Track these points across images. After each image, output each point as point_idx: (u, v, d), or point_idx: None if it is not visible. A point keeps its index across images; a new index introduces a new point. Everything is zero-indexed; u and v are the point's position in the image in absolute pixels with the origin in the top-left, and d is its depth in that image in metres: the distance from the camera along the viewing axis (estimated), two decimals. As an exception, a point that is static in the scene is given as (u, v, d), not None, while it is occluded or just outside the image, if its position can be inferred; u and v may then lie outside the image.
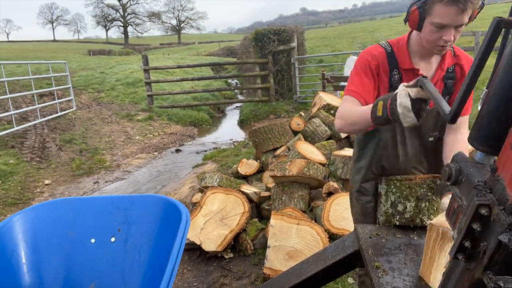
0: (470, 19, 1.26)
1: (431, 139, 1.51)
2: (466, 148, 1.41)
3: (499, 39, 0.70)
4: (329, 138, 4.15)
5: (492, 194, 0.61)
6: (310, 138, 4.11)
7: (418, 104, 1.02)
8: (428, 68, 1.45)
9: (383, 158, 1.52)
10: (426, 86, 0.99)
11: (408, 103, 1.02)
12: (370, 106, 1.20)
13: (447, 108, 0.86)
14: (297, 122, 4.33)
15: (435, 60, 1.45)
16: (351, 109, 1.36)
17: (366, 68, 1.43)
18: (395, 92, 1.08)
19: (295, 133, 4.33)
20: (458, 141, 1.46)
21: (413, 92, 1.02)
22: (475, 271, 0.63)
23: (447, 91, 1.47)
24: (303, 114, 4.52)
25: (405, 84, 1.08)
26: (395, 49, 1.45)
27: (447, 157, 1.46)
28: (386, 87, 1.45)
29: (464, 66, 1.47)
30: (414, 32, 1.42)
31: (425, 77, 1.02)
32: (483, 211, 0.59)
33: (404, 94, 1.04)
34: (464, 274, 0.69)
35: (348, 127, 1.39)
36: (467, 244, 0.63)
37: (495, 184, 0.62)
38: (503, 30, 0.67)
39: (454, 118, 0.82)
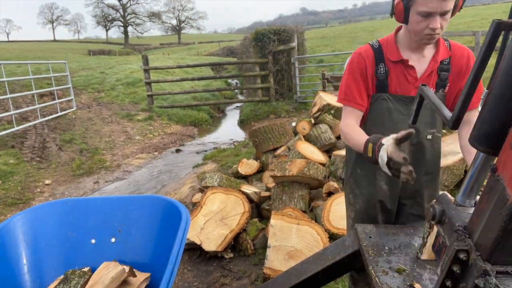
0: (456, 8, 1.27)
1: (429, 136, 1.50)
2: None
3: (499, 39, 0.70)
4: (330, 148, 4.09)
5: (470, 239, 0.67)
6: (313, 143, 4.09)
7: (393, 164, 1.05)
8: (421, 60, 1.45)
9: None
10: (426, 93, 0.98)
11: (385, 159, 1.07)
12: (364, 140, 1.24)
13: (448, 113, 0.86)
14: (303, 126, 4.30)
15: (428, 52, 1.45)
16: (352, 131, 1.41)
17: (359, 70, 1.46)
18: (383, 140, 1.12)
19: (296, 133, 4.33)
20: None
21: (390, 149, 1.06)
22: None
23: (441, 83, 1.47)
24: (313, 120, 4.48)
25: (395, 136, 1.08)
26: (383, 45, 1.47)
27: (464, 149, 1.42)
28: (373, 81, 1.47)
29: (459, 58, 1.46)
30: (402, 27, 1.44)
31: (424, 85, 1.01)
32: (462, 256, 0.66)
33: (384, 148, 1.08)
34: None
35: (351, 146, 1.44)
36: (448, 283, 0.69)
37: (495, 184, 0.62)
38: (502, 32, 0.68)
39: (456, 123, 0.82)
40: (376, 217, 1.60)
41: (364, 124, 1.53)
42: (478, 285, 0.60)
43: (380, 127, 1.46)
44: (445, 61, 1.46)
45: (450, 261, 0.67)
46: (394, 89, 1.46)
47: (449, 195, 0.87)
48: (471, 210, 0.76)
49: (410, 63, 1.43)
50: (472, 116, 1.41)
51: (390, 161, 1.07)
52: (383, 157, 1.08)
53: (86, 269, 1.68)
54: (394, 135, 1.10)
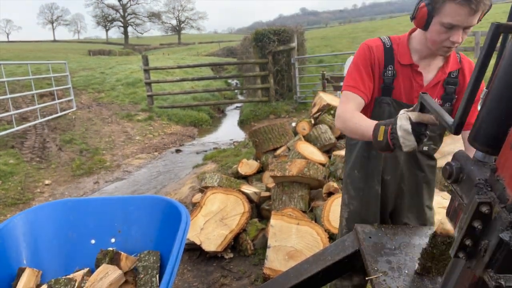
0: (478, 21, 1.23)
1: (425, 148, 1.48)
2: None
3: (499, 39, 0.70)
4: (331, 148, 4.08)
5: (493, 192, 0.61)
6: (313, 143, 4.08)
7: (418, 128, 0.99)
8: (428, 69, 1.41)
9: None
10: (426, 101, 0.97)
11: (408, 126, 0.99)
12: (372, 125, 1.14)
13: (449, 119, 0.85)
14: (303, 126, 4.29)
15: (437, 62, 1.41)
16: (353, 116, 1.29)
17: (366, 62, 1.40)
18: (396, 116, 1.05)
19: (296, 133, 4.33)
20: None
21: (414, 115, 1.00)
22: (476, 270, 0.63)
23: (448, 97, 1.42)
24: (312, 121, 4.48)
25: (406, 109, 1.06)
26: (394, 45, 1.42)
27: (469, 151, 1.42)
28: (379, 82, 1.42)
29: (467, 75, 1.42)
30: (418, 30, 1.38)
31: (425, 93, 0.99)
32: (484, 209, 0.59)
33: (404, 117, 1.01)
34: (465, 273, 0.69)
35: (347, 132, 1.34)
36: (468, 242, 0.62)
37: (495, 183, 0.62)
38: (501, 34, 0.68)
39: (458, 128, 0.81)
40: (369, 220, 1.56)
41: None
42: (503, 239, 0.55)
43: None
44: (453, 74, 1.42)
45: (470, 216, 0.61)
46: (398, 94, 1.42)
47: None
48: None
49: (419, 69, 1.39)
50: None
51: (416, 125, 0.99)
52: (405, 125, 0.99)
53: (84, 270, 1.69)
54: (405, 109, 1.06)
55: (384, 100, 1.42)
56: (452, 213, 0.76)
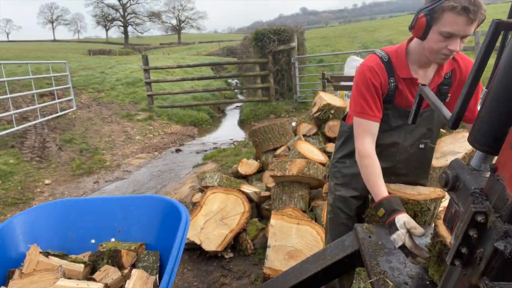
0: (474, 30, 1.26)
1: (421, 146, 1.52)
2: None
3: (499, 39, 0.70)
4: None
5: (488, 202, 0.62)
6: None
7: (406, 250, 1.12)
8: (425, 75, 1.44)
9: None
10: (426, 94, 0.98)
11: (399, 243, 1.12)
12: (379, 196, 1.28)
13: (447, 113, 0.86)
14: (305, 127, 4.34)
15: (432, 67, 1.44)
16: (370, 173, 1.37)
17: (369, 86, 1.41)
18: (396, 220, 1.16)
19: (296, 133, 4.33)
20: None
21: (409, 243, 1.11)
22: (472, 277, 0.64)
23: (441, 97, 1.45)
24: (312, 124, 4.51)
25: (407, 222, 1.14)
26: (392, 59, 1.43)
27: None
28: (383, 94, 1.45)
29: (463, 71, 1.45)
30: (414, 40, 1.40)
31: (424, 85, 1.01)
32: (480, 218, 0.61)
33: (400, 237, 1.12)
34: (461, 280, 0.70)
35: (364, 179, 1.41)
36: (464, 250, 0.64)
37: (495, 184, 0.62)
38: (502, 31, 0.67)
39: (455, 123, 0.81)
40: (352, 207, 1.64)
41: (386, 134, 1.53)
42: (497, 248, 0.56)
43: (396, 135, 1.50)
44: (447, 75, 1.45)
45: (466, 225, 0.62)
46: (399, 102, 1.46)
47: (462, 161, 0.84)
48: (488, 174, 0.71)
49: (418, 81, 1.42)
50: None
51: (406, 250, 1.12)
52: (397, 241, 1.13)
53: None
54: (408, 223, 1.14)
55: (385, 107, 1.46)
56: (449, 219, 0.78)
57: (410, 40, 1.43)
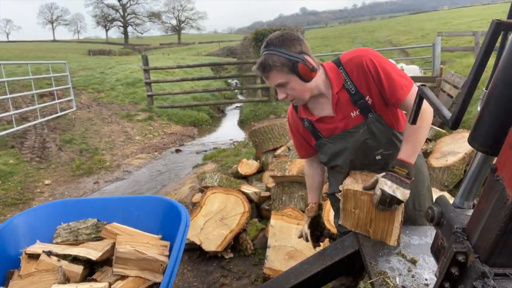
0: (303, 76, 1.35)
1: (378, 157, 1.47)
2: (412, 130, 1.33)
3: (499, 39, 0.70)
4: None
5: (468, 242, 0.68)
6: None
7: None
8: (321, 105, 1.48)
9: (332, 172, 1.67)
10: (426, 94, 0.98)
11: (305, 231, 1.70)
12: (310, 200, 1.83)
13: (447, 114, 0.86)
14: None
15: (319, 95, 1.45)
16: (307, 179, 1.85)
17: (291, 130, 1.66)
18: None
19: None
20: (406, 129, 1.37)
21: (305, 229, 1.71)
22: None
23: (367, 109, 1.40)
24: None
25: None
26: (299, 107, 1.56)
27: (406, 133, 1.36)
28: (308, 134, 1.57)
29: (358, 71, 1.38)
30: None
31: (424, 85, 1.01)
32: (460, 258, 0.66)
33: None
34: None
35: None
36: (447, 285, 0.70)
37: (494, 184, 0.62)
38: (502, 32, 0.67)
39: (455, 123, 0.82)
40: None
41: (333, 158, 1.55)
42: (476, 287, 0.61)
43: (343, 157, 1.50)
44: (352, 89, 1.39)
45: (448, 263, 0.68)
46: (326, 134, 1.51)
47: (447, 197, 0.88)
48: (470, 212, 0.76)
49: (323, 114, 1.48)
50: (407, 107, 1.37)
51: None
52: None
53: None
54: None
55: (322, 142, 1.54)
56: (435, 249, 0.85)
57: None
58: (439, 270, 0.73)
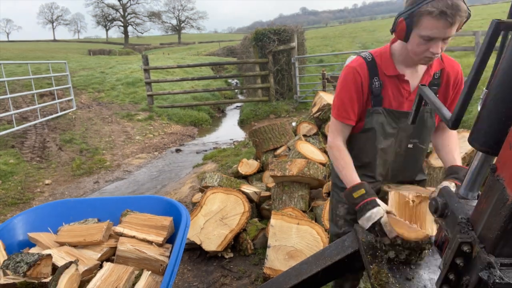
0: (457, 30, 1.25)
1: (410, 146, 1.50)
2: (457, 140, 1.52)
3: (499, 39, 0.70)
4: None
5: (474, 232, 0.67)
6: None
7: (379, 230, 1.20)
8: (414, 74, 1.44)
9: (361, 161, 1.56)
10: (425, 93, 0.99)
11: (374, 219, 1.21)
12: (353, 182, 1.37)
13: (447, 113, 0.86)
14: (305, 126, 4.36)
15: (422, 67, 1.44)
16: (342, 163, 1.46)
17: (350, 85, 1.44)
18: (374, 204, 1.25)
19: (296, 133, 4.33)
20: (449, 138, 1.52)
21: (389, 227, 1.18)
22: None
23: None
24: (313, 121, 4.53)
25: (388, 211, 1.23)
26: (377, 58, 1.45)
27: (445, 158, 1.48)
28: (368, 95, 1.45)
29: (450, 71, 1.45)
30: (398, 41, 1.41)
31: (424, 85, 1.01)
32: (465, 249, 0.65)
33: (379, 211, 1.21)
34: None
35: (336, 170, 1.49)
36: (451, 276, 0.68)
37: (495, 184, 0.62)
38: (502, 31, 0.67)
39: (455, 123, 0.82)
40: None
41: (358, 136, 1.53)
42: (482, 278, 0.60)
43: (373, 140, 1.48)
44: (436, 75, 1.45)
45: (453, 253, 0.66)
46: (388, 103, 1.45)
47: (451, 188, 0.86)
48: (474, 202, 0.74)
49: (406, 77, 1.42)
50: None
51: (378, 226, 1.19)
52: (375, 215, 1.20)
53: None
54: (388, 210, 1.23)
55: (376, 111, 1.46)
56: (439, 241, 0.84)
57: (394, 41, 1.43)
58: (444, 261, 0.72)
